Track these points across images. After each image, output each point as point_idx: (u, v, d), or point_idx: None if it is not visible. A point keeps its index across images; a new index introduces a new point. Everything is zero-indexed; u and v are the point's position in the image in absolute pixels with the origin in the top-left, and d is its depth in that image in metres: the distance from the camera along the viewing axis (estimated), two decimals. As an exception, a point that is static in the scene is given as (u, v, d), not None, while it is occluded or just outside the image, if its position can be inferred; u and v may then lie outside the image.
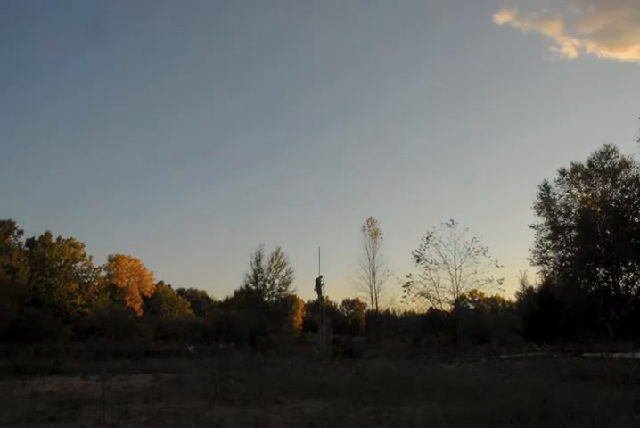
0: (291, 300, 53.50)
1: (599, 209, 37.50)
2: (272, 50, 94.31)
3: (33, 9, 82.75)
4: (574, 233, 38.44)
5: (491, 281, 34.67)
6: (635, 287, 36.99)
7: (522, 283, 43.45)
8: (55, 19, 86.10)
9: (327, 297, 50.04)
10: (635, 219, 36.91)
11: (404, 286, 36.04)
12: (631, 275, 36.89)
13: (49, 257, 49.04)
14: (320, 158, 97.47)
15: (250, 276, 46.46)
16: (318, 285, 30.86)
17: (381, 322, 41.29)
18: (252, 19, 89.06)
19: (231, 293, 56.67)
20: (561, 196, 38.91)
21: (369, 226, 39.78)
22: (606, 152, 37.98)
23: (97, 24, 75.46)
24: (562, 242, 38.72)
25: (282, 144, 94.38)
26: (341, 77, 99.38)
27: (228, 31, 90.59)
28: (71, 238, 52.43)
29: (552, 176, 39.55)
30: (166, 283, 71.63)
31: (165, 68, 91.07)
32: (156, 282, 68.48)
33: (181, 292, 75.45)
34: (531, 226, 39.24)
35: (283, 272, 46.69)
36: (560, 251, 38.87)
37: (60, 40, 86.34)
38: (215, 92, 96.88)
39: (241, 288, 49.41)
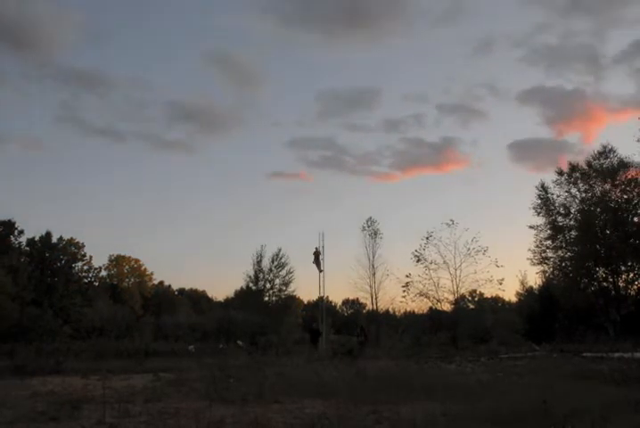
0: (291, 300, 53.56)
1: (598, 210, 37.47)
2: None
3: None
4: (574, 233, 38.40)
5: (491, 281, 34.79)
6: (635, 287, 37.03)
7: (522, 284, 43.63)
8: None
9: (327, 297, 49.97)
10: (635, 219, 36.94)
11: (403, 286, 36.12)
12: (631, 274, 36.91)
13: (49, 257, 49.03)
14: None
15: (250, 276, 46.74)
16: (317, 258, 29.10)
17: (381, 322, 41.29)
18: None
19: (231, 293, 56.91)
20: (559, 196, 38.90)
21: (369, 226, 39.75)
22: (604, 153, 38.01)
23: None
24: (561, 242, 38.67)
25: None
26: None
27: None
28: (71, 238, 52.53)
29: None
30: (166, 284, 71.58)
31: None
32: (156, 282, 68.49)
33: (181, 292, 75.32)
34: (531, 227, 39.17)
35: (283, 272, 46.94)
36: (559, 251, 38.82)
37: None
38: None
39: (241, 288, 49.70)
